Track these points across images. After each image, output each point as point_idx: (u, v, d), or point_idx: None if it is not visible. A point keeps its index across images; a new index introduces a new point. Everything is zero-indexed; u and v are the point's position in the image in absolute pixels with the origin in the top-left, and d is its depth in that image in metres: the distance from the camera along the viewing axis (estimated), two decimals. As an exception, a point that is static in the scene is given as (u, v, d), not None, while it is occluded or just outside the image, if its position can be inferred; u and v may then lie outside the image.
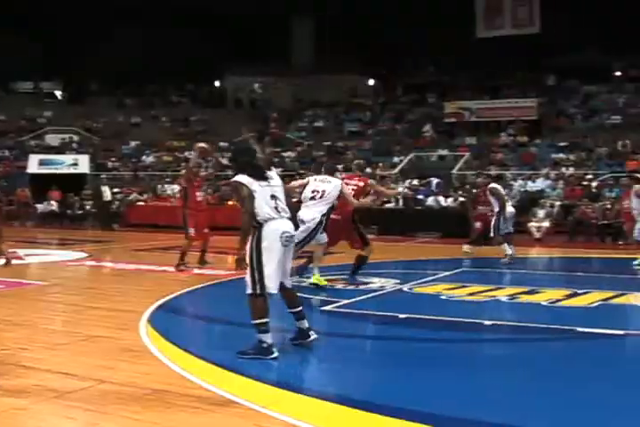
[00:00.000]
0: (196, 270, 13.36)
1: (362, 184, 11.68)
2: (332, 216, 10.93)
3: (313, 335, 7.04)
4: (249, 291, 6.67)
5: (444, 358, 6.81)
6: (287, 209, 6.88)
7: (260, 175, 6.80)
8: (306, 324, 7.05)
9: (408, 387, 5.82)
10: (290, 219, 6.91)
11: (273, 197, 6.74)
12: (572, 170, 28.76)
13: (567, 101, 38.73)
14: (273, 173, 7.05)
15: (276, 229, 6.64)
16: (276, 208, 6.72)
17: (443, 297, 10.26)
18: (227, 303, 9.66)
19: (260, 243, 6.60)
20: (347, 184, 11.29)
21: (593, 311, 9.24)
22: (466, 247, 15.64)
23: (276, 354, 6.56)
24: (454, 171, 29.85)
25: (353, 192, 11.21)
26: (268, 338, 6.59)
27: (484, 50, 40.90)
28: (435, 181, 26.19)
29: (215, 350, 7.03)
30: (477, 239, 15.80)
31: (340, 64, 44.02)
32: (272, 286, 6.62)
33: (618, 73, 41.63)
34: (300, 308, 7.09)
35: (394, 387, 5.82)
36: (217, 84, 49.93)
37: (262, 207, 6.63)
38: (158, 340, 7.39)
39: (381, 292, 10.82)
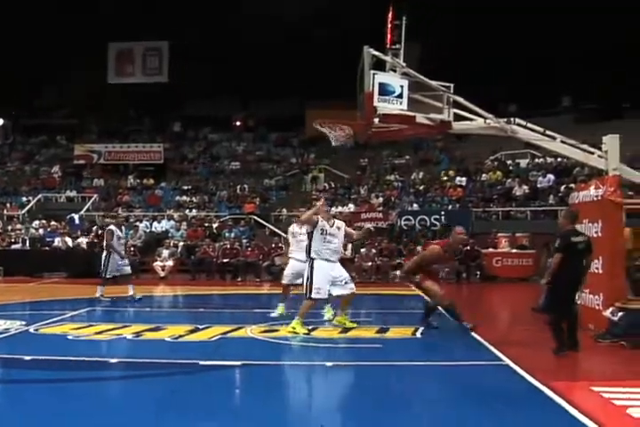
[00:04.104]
0: None
1: None
2: None
3: None
4: None
5: (70, 398, 6.63)
6: None
7: None
8: None
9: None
10: None
11: None
12: (194, 212, 29.73)
13: (191, 147, 40.08)
14: None
15: None
16: None
17: (70, 337, 9.93)
18: None
19: None
20: None
21: (213, 345, 9.60)
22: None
23: None
24: (82, 212, 29.31)
25: None
26: None
27: (115, 95, 40.93)
28: (76, 216, 26.13)
29: None
30: None
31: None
32: None
33: (238, 123, 44.06)
34: None
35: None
36: None
37: None
38: None
39: (6, 334, 10.20)
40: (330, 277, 10.65)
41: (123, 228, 16.02)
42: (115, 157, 37.65)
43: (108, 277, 15.12)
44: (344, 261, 21.83)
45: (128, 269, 15.44)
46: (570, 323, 8.93)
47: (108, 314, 12.75)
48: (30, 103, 44.25)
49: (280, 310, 12.13)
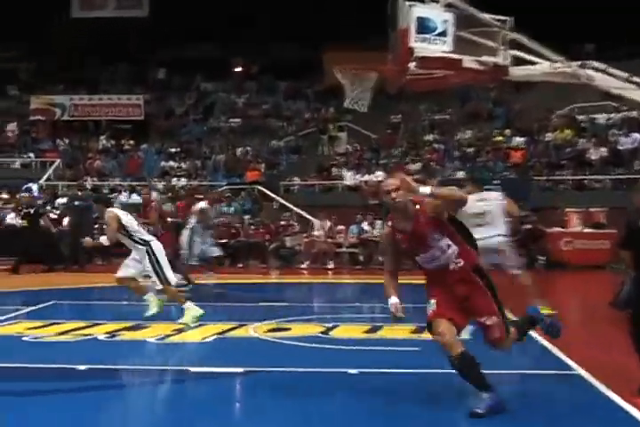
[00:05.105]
0: None
1: None
2: None
3: None
4: None
5: (26, 415, 6.61)
6: None
7: None
8: None
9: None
10: None
11: None
12: (183, 181, 29.64)
13: (179, 100, 39.89)
14: None
15: None
16: None
17: (25, 338, 9.96)
18: None
19: None
20: None
21: (208, 347, 9.61)
22: None
23: None
24: (42, 181, 29.28)
25: None
26: None
27: (80, 34, 40.39)
28: (34, 186, 26.02)
29: None
30: None
31: None
32: None
33: (238, 69, 43.55)
34: None
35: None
36: None
37: None
38: None
39: (-55, 335, 10.27)
40: None
41: (218, 206, 16.56)
42: (83, 113, 37.64)
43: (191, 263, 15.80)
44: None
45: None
46: None
47: (75, 309, 12.75)
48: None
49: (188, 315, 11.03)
